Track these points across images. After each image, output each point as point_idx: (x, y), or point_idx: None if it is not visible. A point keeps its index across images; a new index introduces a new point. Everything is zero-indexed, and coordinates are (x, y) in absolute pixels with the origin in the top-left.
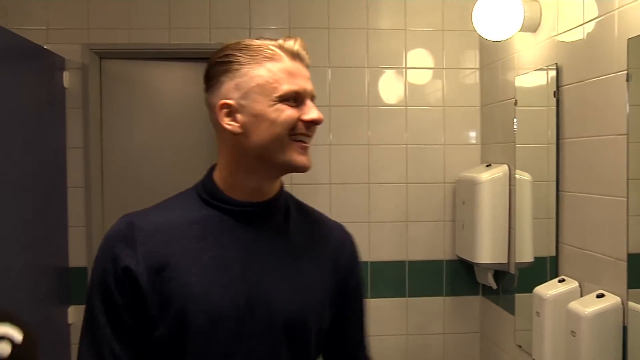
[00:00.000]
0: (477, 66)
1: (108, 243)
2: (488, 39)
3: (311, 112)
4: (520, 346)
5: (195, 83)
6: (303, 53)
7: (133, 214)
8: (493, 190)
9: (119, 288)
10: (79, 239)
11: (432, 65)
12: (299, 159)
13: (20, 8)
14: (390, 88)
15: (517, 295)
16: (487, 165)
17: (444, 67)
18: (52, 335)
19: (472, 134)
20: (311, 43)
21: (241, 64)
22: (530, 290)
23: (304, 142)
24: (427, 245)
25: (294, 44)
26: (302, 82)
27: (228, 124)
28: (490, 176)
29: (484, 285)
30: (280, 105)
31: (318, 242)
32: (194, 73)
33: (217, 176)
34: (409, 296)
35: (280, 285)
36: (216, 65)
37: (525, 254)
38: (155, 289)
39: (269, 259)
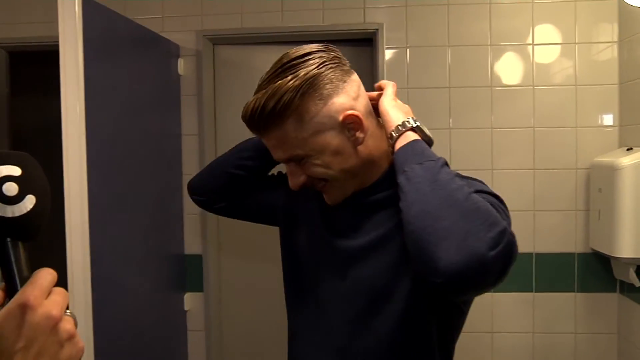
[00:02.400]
0: (615, 39)
1: None
2: (636, 5)
3: (289, 180)
4: None
5: None
6: (254, 122)
7: None
8: (636, 177)
9: None
10: (193, 227)
11: (562, 41)
12: (324, 198)
13: None
14: (515, 67)
15: None
16: (628, 149)
17: (576, 42)
18: (170, 322)
19: (608, 115)
20: (429, 21)
21: None
22: None
23: (319, 187)
24: (557, 236)
25: (242, 118)
26: (272, 152)
27: None
28: (633, 161)
29: (622, 282)
30: None
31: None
32: None
33: None
34: (536, 291)
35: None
36: None
37: None
38: None
39: (341, 244)
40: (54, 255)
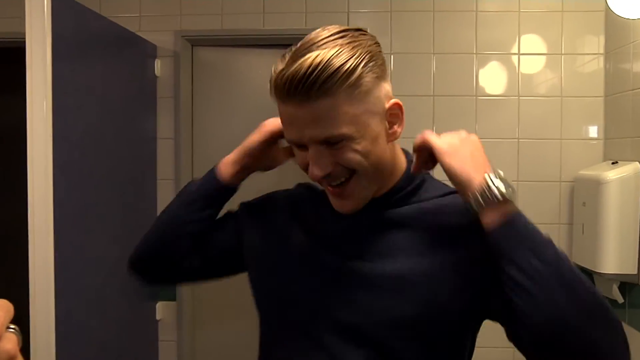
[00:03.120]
0: (601, 51)
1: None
2: (625, 17)
3: (311, 165)
4: None
5: None
6: (299, 87)
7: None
8: (621, 191)
9: None
10: None
11: (548, 51)
12: (333, 202)
13: None
14: (500, 76)
15: None
16: (613, 163)
17: (562, 52)
18: (141, 332)
19: (594, 128)
20: (414, 27)
21: None
22: None
23: (331, 187)
24: None
25: (282, 79)
26: (294, 130)
27: None
28: (618, 175)
29: (605, 298)
30: (294, 149)
31: (441, 232)
32: None
33: None
34: None
35: (379, 281)
36: None
37: None
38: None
39: (366, 249)
40: (16, 262)
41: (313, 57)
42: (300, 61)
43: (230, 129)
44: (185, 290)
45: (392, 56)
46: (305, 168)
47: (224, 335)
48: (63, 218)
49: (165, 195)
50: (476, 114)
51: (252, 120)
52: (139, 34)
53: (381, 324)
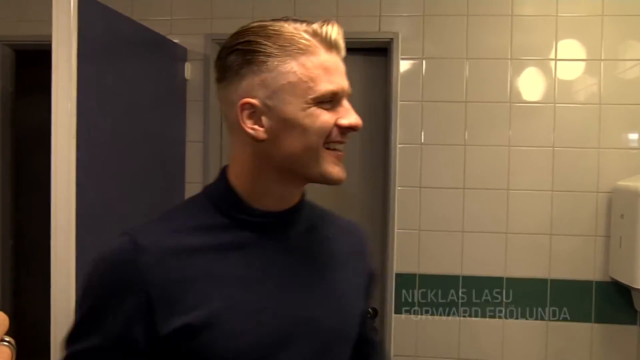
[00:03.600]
0: None
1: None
2: None
3: (349, 115)
4: None
5: None
6: (340, 42)
7: (134, 230)
8: None
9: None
10: None
11: (586, 57)
12: (334, 170)
13: None
14: (536, 83)
15: None
16: None
17: (602, 58)
18: None
19: (634, 136)
20: (447, 32)
21: (268, 56)
22: None
23: (339, 151)
24: (574, 262)
25: (331, 31)
26: (340, 79)
27: (251, 127)
28: None
29: None
30: (314, 109)
31: (343, 247)
32: None
33: (235, 181)
34: (550, 319)
35: (320, 301)
36: (235, 52)
37: None
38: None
39: (302, 274)
40: (39, 262)
41: (333, 22)
42: (326, 21)
43: None
44: None
45: (424, 61)
46: (327, 132)
47: None
48: (86, 219)
49: None
50: (510, 121)
51: None
52: (169, 37)
53: (340, 338)
